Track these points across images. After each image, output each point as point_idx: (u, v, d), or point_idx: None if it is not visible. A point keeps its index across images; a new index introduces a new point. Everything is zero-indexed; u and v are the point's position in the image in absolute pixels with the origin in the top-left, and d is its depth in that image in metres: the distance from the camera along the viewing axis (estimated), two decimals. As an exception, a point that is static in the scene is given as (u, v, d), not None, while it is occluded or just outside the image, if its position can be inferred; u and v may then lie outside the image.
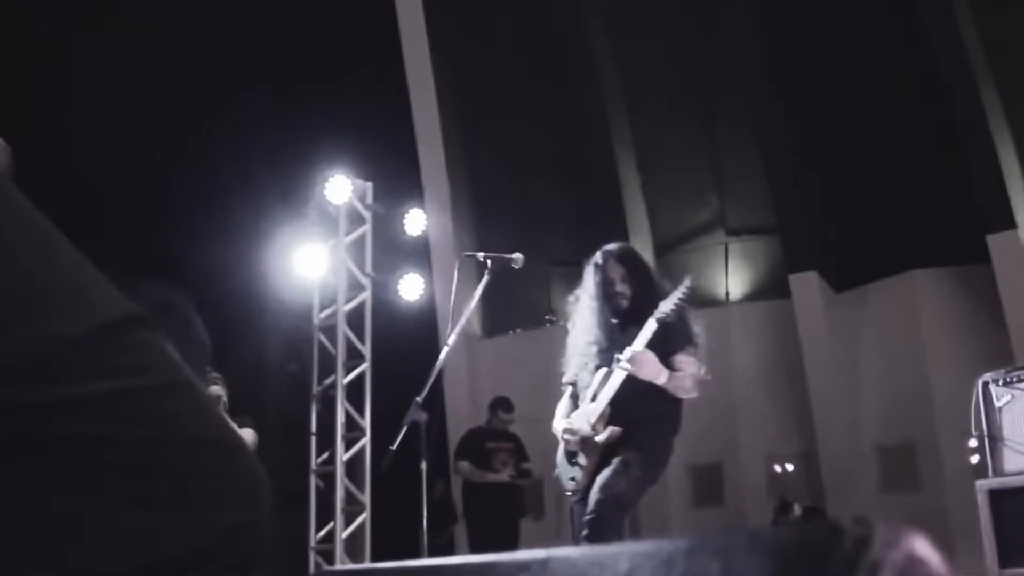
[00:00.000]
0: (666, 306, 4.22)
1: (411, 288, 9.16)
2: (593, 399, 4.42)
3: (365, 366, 8.86)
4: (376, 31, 12.54)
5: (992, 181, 11.04)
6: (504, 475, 8.75)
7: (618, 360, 4.29)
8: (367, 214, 9.12)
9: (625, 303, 4.49)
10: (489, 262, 4.80)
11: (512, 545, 8.79)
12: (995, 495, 5.65)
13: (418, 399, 4.55)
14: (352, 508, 8.60)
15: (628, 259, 4.62)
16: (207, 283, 7.58)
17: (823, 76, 12.09)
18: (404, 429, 4.55)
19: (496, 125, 13.47)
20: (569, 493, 4.49)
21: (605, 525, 4.09)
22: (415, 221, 9.26)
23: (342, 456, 8.56)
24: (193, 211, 9.62)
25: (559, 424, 4.59)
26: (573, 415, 4.53)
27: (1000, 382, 5.93)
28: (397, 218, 9.24)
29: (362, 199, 9.10)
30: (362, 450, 8.68)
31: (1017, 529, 5.53)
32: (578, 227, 13.37)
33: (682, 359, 4.37)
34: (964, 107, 11.17)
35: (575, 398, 4.65)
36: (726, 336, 11.80)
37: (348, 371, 8.81)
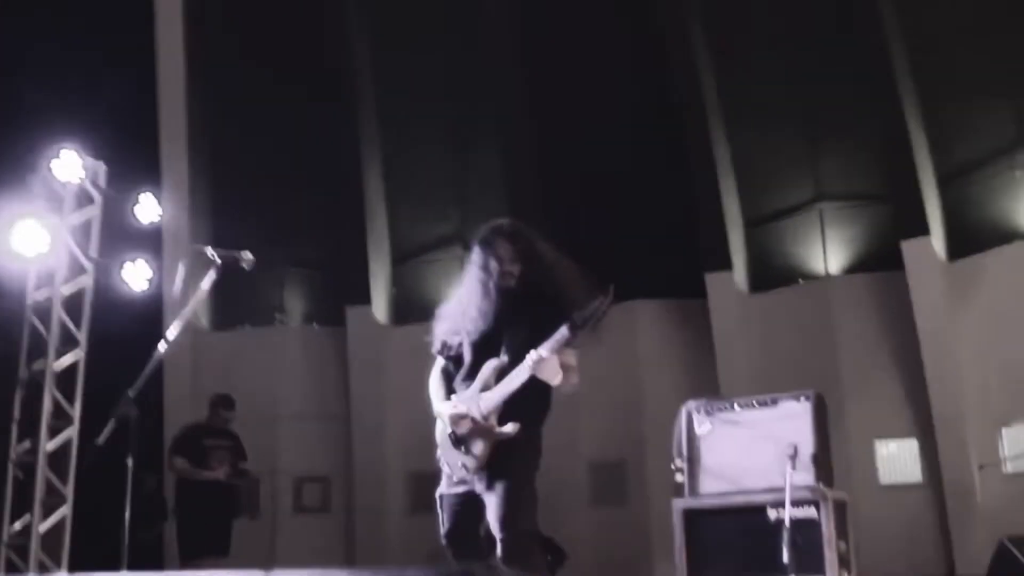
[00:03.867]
0: (581, 317, 3.99)
1: (137, 277, 8.74)
2: (484, 387, 4.28)
3: (80, 353, 8.44)
4: (129, 4, 11.99)
5: (714, 224, 11.87)
6: (220, 473, 8.56)
7: (519, 358, 4.15)
8: (97, 196, 8.70)
9: (513, 282, 4.33)
10: (219, 258, 4.68)
11: (224, 545, 8.60)
12: (689, 514, 6.05)
13: (129, 392, 4.38)
14: (53, 501, 8.13)
15: (518, 237, 4.40)
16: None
17: (575, 107, 12.60)
18: (111, 424, 4.38)
19: (246, 120, 13.15)
20: (454, 482, 4.32)
21: (522, 556, 4.09)
22: (149, 208, 8.86)
23: (45, 446, 8.10)
24: None
25: (443, 408, 4.39)
26: (456, 398, 4.38)
27: (702, 411, 6.34)
28: (129, 201, 8.82)
29: (93, 179, 8.66)
30: (68, 441, 8.24)
31: (707, 545, 5.94)
32: (318, 229, 13.28)
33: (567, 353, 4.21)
34: (695, 142, 11.93)
35: (447, 375, 4.48)
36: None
37: (60, 356, 8.36)
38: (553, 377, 4.14)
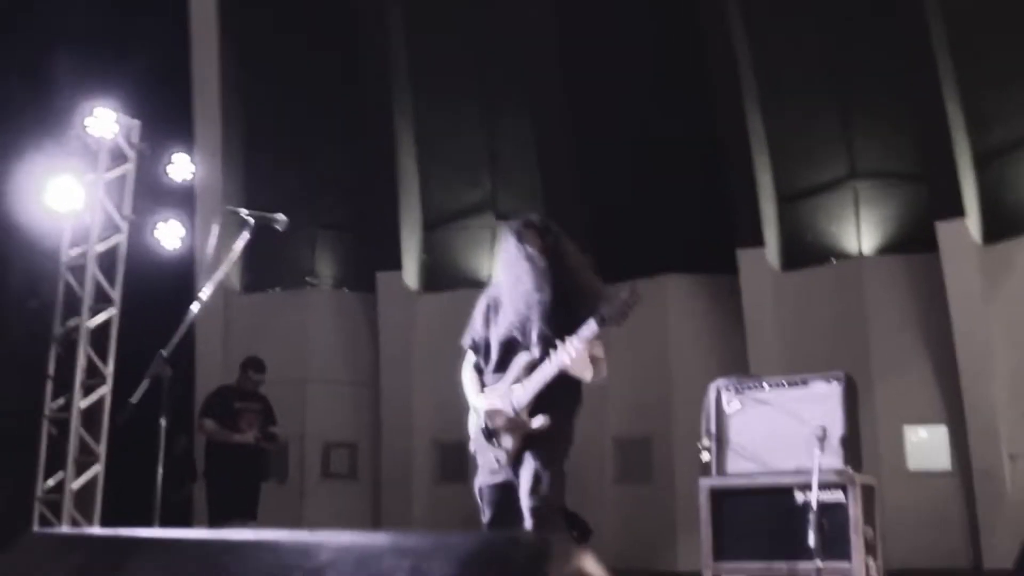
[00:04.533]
0: (610, 310, 4.10)
1: (170, 236, 8.80)
2: (515, 381, 4.36)
3: (113, 311, 8.50)
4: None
5: (747, 199, 11.76)
6: (249, 436, 8.60)
7: (549, 353, 4.25)
8: (131, 153, 8.72)
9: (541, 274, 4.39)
10: (252, 219, 4.68)
11: (251, 508, 8.66)
12: (716, 493, 6.02)
13: (163, 352, 4.38)
14: (85, 459, 8.21)
15: (547, 232, 4.49)
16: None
17: (607, 77, 12.49)
18: (145, 383, 4.39)
19: (279, 81, 13.17)
20: (489, 475, 4.41)
21: (551, 525, 4.14)
22: (182, 167, 8.91)
23: (79, 403, 8.17)
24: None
25: (479, 402, 4.49)
26: (488, 391, 4.47)
27: (732, 389, 6.29)
28: (163, 160, 8.86)
29: (127, 137, 8.69)
30: (101, 399, 8.30)
31: (733, 525, 5.91)
32: (350, 194, 13.29)
33: (595, 344, 4.33)
34: (729, 116, 11.80)
35: (479, 370, 4.58)
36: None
37: (94, 315, 8.42)
38: (583, 371, 4.25)
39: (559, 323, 4.28)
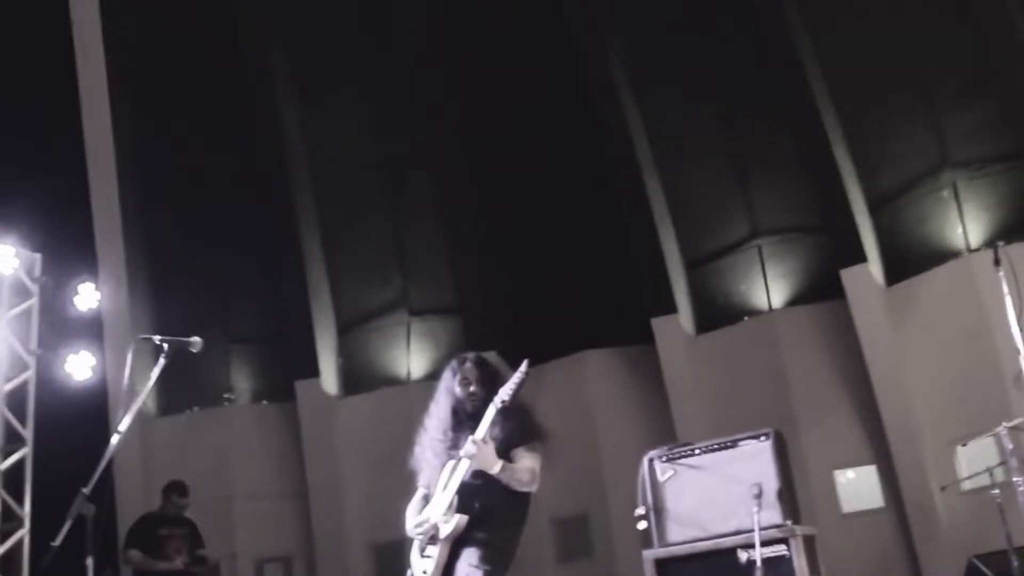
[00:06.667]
0: (505, 392, 4.39)
1: (81, 367, 8.61)
2: (444, 489, 4.54)
3: (26, 451, 8.23)
4: (52, 93, 11.84)
5: (655, 268, 11.94)
6: (178, 563, 8.35)
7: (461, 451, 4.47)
8: (34, 287, 8.55)
9: (478, 404, 4.66)
10: (166, 345, 4.62)
11: (188, 636, 8.38)
12: (660, 563, 6.02)
13: (84, 490, 4.26)
14: (8, 607, 7.87)
15: (484, 365, 4.84)
16: None
17: (508, 164, 12.69)
18: (68, 524, 4.25)
19: (178, 197, 13.04)
20: None
21: None
22: (87, 295, 8.75)
23: (-3, 550, 7.85)
24: None
25: (410, 523, 4.66)
26: (426, 509, 4.64)
27: (664, 458, 6.33)
28: (67, 292, 8.70)
29: (29, 271, 8.52)
30: (20, 543, 8.00)
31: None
32: (261, 305, 13.16)
33: (521, 453, 4.56)
34: (628, 188, 12.04)
35: (426, 499, 4.73)
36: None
37: (6, 456, 8.14)
38: (489, 466, 4.42)
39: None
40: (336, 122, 13.20)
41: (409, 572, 4.58)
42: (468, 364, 4.82)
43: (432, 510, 4.53)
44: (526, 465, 4.54)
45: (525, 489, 4.57)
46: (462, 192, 12.94)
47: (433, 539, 4.45)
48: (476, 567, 4.32)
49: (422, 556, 4.49)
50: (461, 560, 4.37)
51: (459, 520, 4.39)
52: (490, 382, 4.71)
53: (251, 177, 13.00)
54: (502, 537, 4.50)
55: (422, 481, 4.80)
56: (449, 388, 4.80)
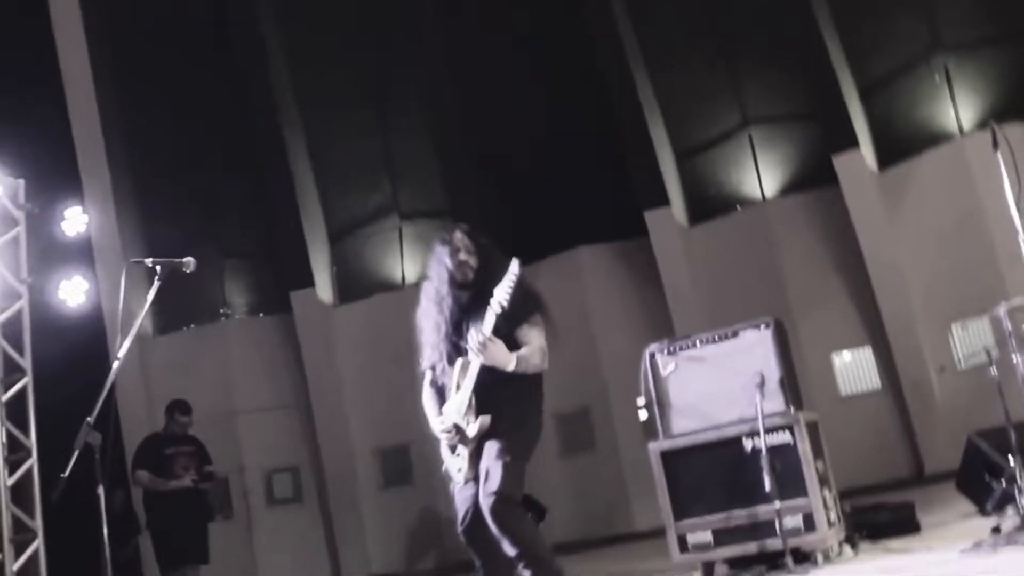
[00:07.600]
0: (501, 294, 4.25)
1: (74, 293, 8.55)
2: (457, 389, 4.47)
3: (27, 380, 8.18)
4: (24, 20, 11.59)
5: (646, 160, 11.85)
6: (186, 480, 8.41)
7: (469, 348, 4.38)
8: (19, 214, 8.39)
9: (471, 273, 4.57)
10: (159, 267, 4.56)
11: (201, 552, 8.48)
12: (667, 455, 6.06)
13: (89, 419, 4.24)
14: (23, 537, 7.90)
15: (473, 234, 4.69)
16: None
17: (496, 62, 12.50)
18: (76, 453, 4.25)
19: (164, 117, 12.83)
20: (461, 483, 4.48)
21: (509, 522, 4.23)
22: (75, 220, 8.64)
23: (6, 480, 7.86)
24: None
25: (435, 425, 4.59)
26: (444, 409, 4.55)
27: (665, 351, 6.33)
28: (55, 217, 8.59)
29: (13, 198, 8.36)
30: (29, 472, 8.00)
31: (688, 484, 5.96)
32: (251, 219, 13.07)
33: (526, 332, 4.48)
34: (618, 81, 11.86)
35: (437, 388, 4.65)
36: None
37: (7, 387, 8.11)
38: (503, 363, 4.35)
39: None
40: (319, 27, 12.96)
41: (444, 467, 4.60)
42: (458, 233, 4.68)
43: (451, 412, 4.49)
44: (535, 346, 4.48)
45: (538, 371, 4.52)
46: (450, 92, 12.76)
47: (462, 439, 4.44)
48: (502, 455, 4.31)
49: (454, 454, 4.51)
50: (488, 451, 4.36)
51: (483, 421, 4.37)
52: (482, 253, 4.63)
53: (234, 91, 12.79)
54: (524, 424, 4.49)
55: (424, 362, 4.71)
56: (440, 260, 4.66)
